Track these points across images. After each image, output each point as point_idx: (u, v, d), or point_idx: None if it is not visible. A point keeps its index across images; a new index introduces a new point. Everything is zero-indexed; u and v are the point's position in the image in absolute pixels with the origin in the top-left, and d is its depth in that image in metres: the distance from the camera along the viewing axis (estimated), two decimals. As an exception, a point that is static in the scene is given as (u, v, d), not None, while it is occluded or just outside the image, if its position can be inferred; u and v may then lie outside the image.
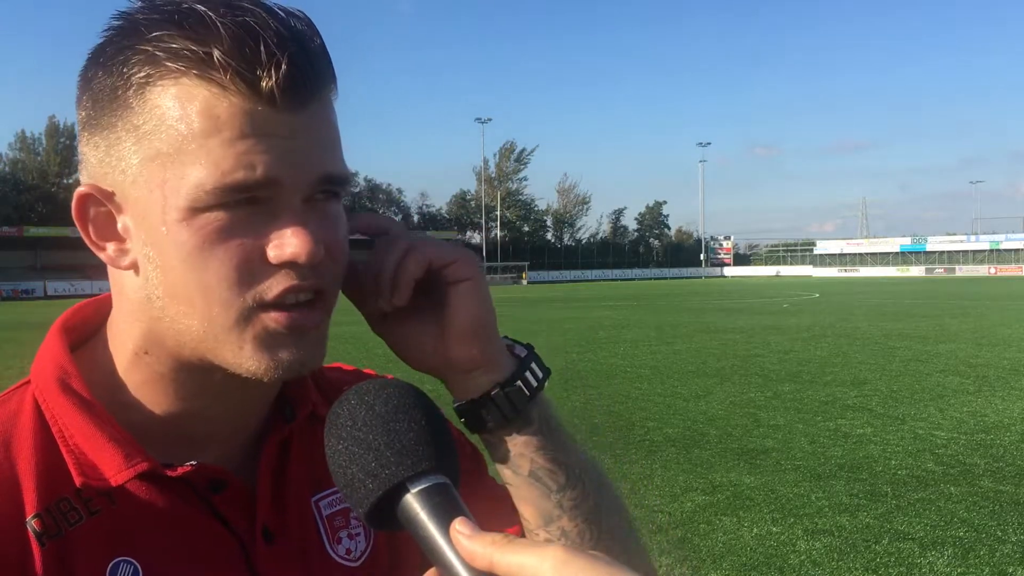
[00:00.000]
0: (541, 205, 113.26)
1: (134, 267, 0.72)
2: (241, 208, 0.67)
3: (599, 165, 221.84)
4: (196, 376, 0.75)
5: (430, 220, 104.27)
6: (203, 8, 0.66)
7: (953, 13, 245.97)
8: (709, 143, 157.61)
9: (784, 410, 9.95)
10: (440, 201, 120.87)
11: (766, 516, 5.96)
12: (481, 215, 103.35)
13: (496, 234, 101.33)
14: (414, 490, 0.57)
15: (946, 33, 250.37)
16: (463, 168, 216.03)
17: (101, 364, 0.78)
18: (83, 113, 0.72)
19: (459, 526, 0.54)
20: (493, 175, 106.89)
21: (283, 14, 0.68)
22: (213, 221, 0.67)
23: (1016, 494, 6.41)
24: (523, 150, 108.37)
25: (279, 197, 0.68)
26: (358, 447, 0.59)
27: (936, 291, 46.14)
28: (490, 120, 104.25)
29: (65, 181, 79.66)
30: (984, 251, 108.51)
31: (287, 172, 0.68)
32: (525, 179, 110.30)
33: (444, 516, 0.55)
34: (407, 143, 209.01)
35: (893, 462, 7.43)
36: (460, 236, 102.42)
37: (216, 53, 0.65)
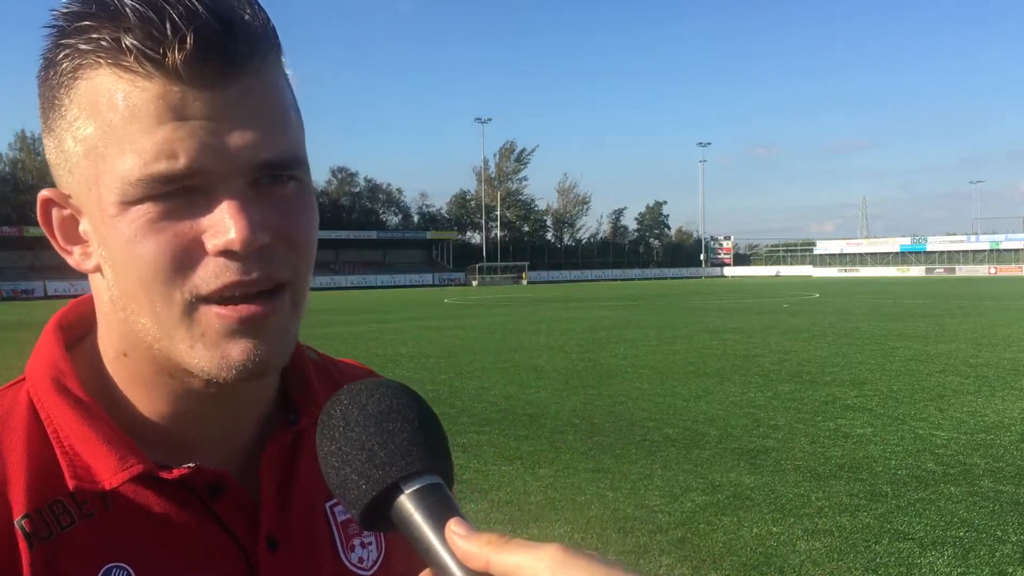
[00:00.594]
0: (541, 205, 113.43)
1: (98, 269, 0.71)
2: (175, 197, 0.64)
3: (599, 165, 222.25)
4: (176, 377, 0.72)
5: (430, 220, 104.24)
6: None
7: (953, 13, 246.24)
8: (709, 143, 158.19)
9: (784, 410, 9.94)
10: (440, 201, 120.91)
11: (766, 516, 5.95)
12: (481, 215, 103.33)
13: (496, 234, 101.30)
14: (408, 490, 0.56)
15: (946, 33, 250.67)
16: (463, 168, 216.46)
17: (94, 364, 0.76)
18: (41, 120, 0.71)
19: (454, 526, 0.53)
20: (493, 175, 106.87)
21: None
22: (145, 213, 0.64)
23: (1016, 494, 6.41)
24: (523, 150, 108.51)
25: (214, 183, 0.65)
26: (351, 447, 0.58)
27: (936, 291, 46.11)
28: (490, 120, 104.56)
29: (65, 181, 79.44)
30: (984, 251, 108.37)
31: (212, 158, 0.64)
32: (525, 179, 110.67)
33: (439, 516, 0.55)
34: (407, 143, 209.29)
35: (893, 462, 7.43)
36: (460, 236, 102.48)
37: (126, 38, 0.62)
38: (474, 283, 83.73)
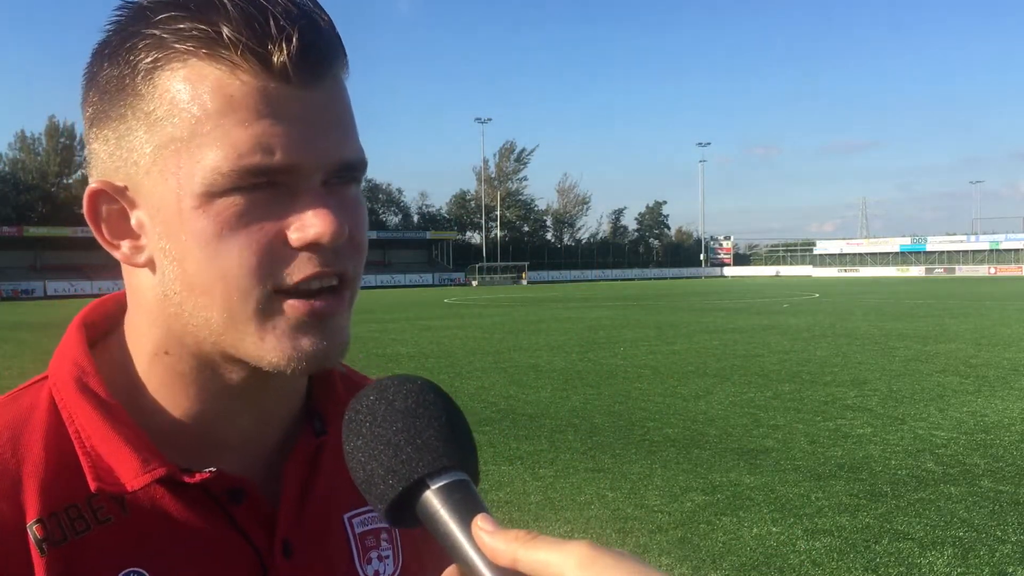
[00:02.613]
0: (541, 205, 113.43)
1: (150, 264, 0.70)
2: (260, 191, 0.65)
3: (599, 165, 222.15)
4: (217, 375, 0.73)
5: (430, 220, 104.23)
6: None
7: (953, 13, 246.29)
8: (709, 143, 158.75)
9: (784, 410, 9.94)
10: (440, 201, 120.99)
11: (766, 516, 5.96)
12: (481, 215, 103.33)
13: (496, 234, 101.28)
14: (434, 486, 0.57)
15: (946, 33, 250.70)
16: (463, 168, 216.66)
17: (120, 363, 0.75)
18: (90, 109, 0.70)
19: (481, 522, 0.54)
20: (493, 175, 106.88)
21: None
22: (231, 206, 0.65)
23: (1016, 494, 6.41)
24: (523, 150, 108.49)
25: (298, 180, 0.66)
26: (378, 443, 0.59)
27: (936, 291, 46.12)
28: (490, 120, 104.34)
29: (65, 181, 79.59)
30: (984, 251, 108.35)
31: (305, 156, 0.66)
32: (525, 179, 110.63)
33: (465, 512, 0.55)
34: (407, 143, 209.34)
35: (893, 462, 7.43)
36: (460, 236, 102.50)
37: (225, 30, 0.63)
38: (474, 283, 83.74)
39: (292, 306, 0.68)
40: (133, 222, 0.70)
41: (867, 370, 13.23)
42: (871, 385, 11.70)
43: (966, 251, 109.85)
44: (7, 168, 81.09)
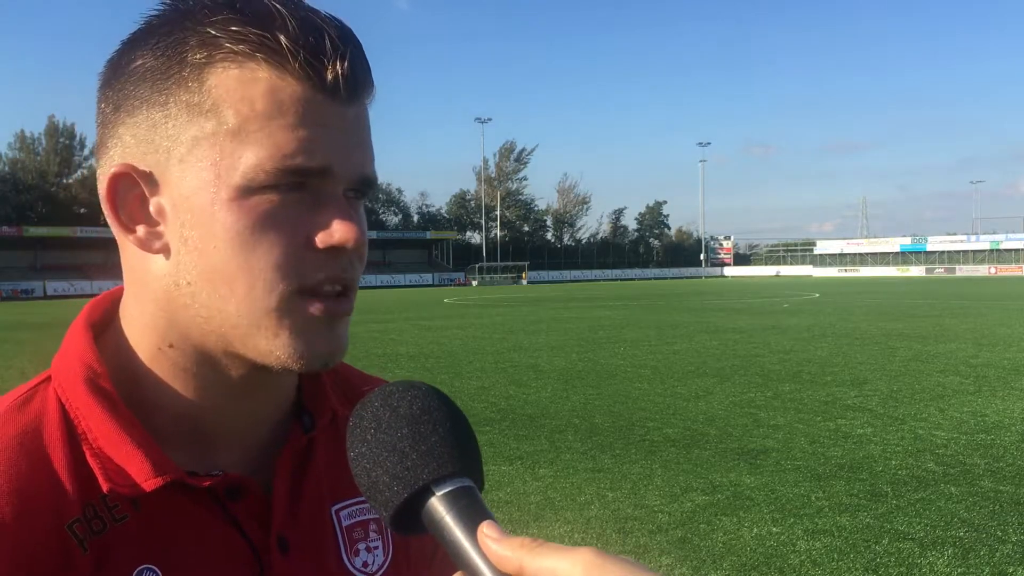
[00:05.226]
0: (541, 205, 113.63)
1: (165, 251, 0.71)
2: (292, 192, 0.69)
3: (599, 165, 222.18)
4: (217, 370, 0.74)
5: (430, 220, 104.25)
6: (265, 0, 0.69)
7: (953, 13, 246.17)
8: (709, 143, 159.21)
9: (784, 410, 9.94)
10: (440, 201, 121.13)
11: (766, 516, 5.95)
12: (481, 215, 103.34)
13: (496, 234, 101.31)
14: (439, 493, 0.57)
15: (946, 33, 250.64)
16: (463, 168, 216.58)
17: (118, 360, 0.76)
18: (117, 96, 0.71)
19: (487, 529, 0.54)
20: (493, 175, 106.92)
21: (333, 19, 0.72)
22: (265, 203, 0.68)
23: (1016, 494, 6.41)
24: (523, 150, 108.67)
25: (327, 187, 0.70)
26: (382, 450, 0.59)
27: (936, 291, 46.10)
28: (490, 120, 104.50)
29: (65, 181, 79.54)
30: (984, 251, 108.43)
31: (339, 164, 0.70)
32: (525, 179, 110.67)
33: (470, 519, 0.55)
34: (407, 143, 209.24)
35: (893, 462, 7.42)
36: (460, 236, 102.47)
37: (283, 39, 0.67)
38: (474, 283, 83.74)
39: (311, 305, 0.71)
40: (152, 208, 0.71)
41: (867, 370, 13.22)
42: (871, 385, 11.69)
43: (966, 251, 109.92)
44: (7, 168, 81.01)
